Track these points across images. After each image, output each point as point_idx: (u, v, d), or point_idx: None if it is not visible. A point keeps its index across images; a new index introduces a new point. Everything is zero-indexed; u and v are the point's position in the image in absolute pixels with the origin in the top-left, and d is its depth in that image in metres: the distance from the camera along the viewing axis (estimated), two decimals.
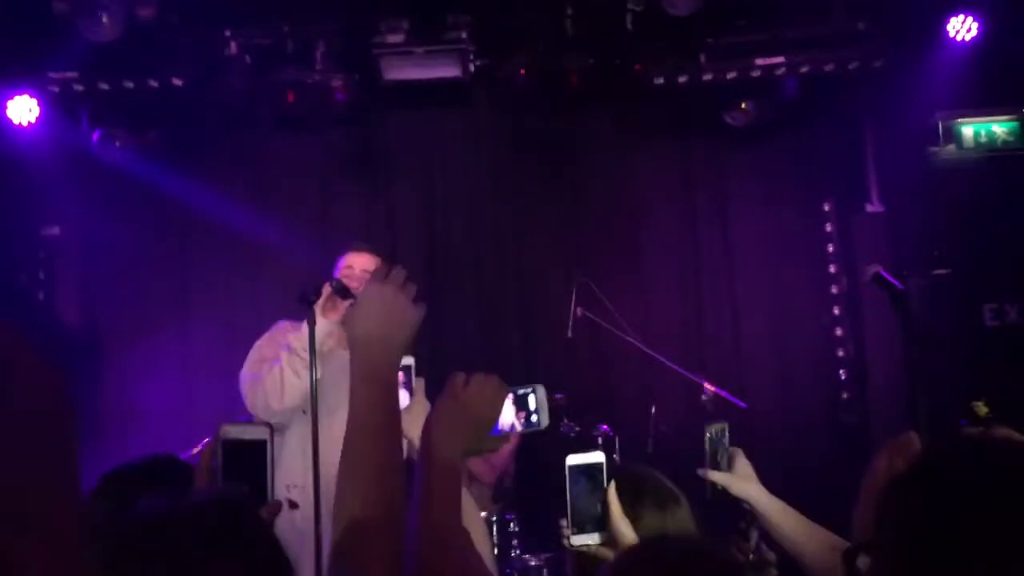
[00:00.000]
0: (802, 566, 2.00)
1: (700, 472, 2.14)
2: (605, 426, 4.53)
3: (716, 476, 2.15)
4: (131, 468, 1.83)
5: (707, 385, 4.52)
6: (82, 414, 5.11)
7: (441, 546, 1.38)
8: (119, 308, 5.67)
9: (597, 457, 1.84)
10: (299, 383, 3.39)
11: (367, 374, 1.46)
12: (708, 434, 2.16)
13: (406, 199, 5.85)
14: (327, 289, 3.43)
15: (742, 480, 2.14)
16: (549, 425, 1.71)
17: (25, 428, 0.71)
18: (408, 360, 2.40)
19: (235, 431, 1.70)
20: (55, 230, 5.68)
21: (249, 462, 1.65)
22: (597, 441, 4.41)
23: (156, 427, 5.00)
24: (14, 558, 0.67)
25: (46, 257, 5.68)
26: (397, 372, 1.53)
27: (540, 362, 5.59)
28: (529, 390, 1.69)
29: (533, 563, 4.18)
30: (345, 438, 1.45)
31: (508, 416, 1.64)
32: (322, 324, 3.40)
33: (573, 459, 1.82)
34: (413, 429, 1.99)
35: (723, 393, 4.56)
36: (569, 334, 4.97)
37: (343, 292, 3.38)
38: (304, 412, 3.44)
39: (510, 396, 1.65)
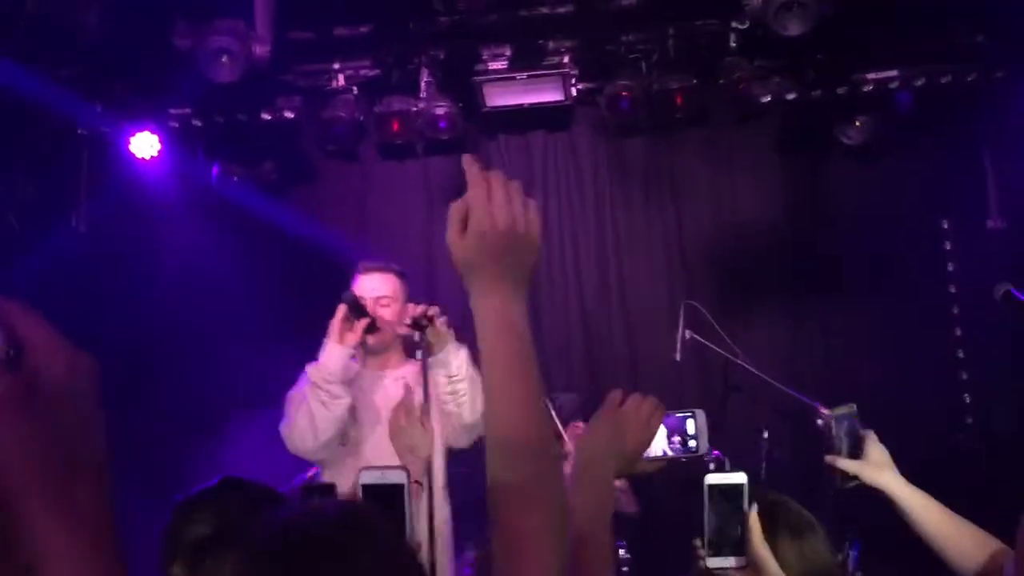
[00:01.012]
0: (948, 563, 1.85)
1: (828, 459, 1.95)
2: (716, 451, 4.43)
3: (846, 464, 1.94)
4: (197, 494, 1.85)
5: (823, 409, 4.36)
6: (216, 449, 5.26)
7: (592, 568, 1.35)
8: (234, 338, 5.81)
9: (739, 478, 1.76)
10: (328, 414, 3.28)
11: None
12: (834, 417, 2.00)
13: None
14: (341, 310, 3.31)
15: (876, 468, 1.94)
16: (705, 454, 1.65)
17: (54, 408, 0.73)
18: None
19: (374, 475, 1.71)
20: (175, 262, 5.89)
21: (388, 506, 1.65)
22: (708, 467, 4.31)
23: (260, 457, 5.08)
24: (38, 540, 0.68)
25: (165, 287, 5.87)
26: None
27: (646, 385, 5.49)
28: (689, 414, 1.64)
29: None
30: (484, 358, 1.28)
31: (660, 440, 1.60)
32: (336, 352, 3.28)
33: (712, 479, 1.75)
34: None
35: None
36: (677, 357, 4.88)
37: (357, 310, 3.30)
38: (342, 444, 3.38)
39: (666, 419, 1.60)
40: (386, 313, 3.49)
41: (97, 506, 0.73)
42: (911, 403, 5.42)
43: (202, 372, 5.59)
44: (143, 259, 5.75)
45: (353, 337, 3.31)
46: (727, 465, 4.35)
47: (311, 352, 3.43)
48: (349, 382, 3.34)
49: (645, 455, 1.55)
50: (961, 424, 5.39)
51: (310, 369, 3.32)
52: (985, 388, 5.39)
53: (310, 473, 3.55)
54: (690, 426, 1.64)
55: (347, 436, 3.41)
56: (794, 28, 4.41)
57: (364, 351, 3.51)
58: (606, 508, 1.45)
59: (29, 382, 0.72)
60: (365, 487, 1.69)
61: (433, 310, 3.35)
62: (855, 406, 2.03)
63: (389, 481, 1.69)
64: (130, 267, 5.57)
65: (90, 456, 0.74)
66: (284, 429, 3.40)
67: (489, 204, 1.24)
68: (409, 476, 1.72)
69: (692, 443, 1.64)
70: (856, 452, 1.98)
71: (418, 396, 3.18)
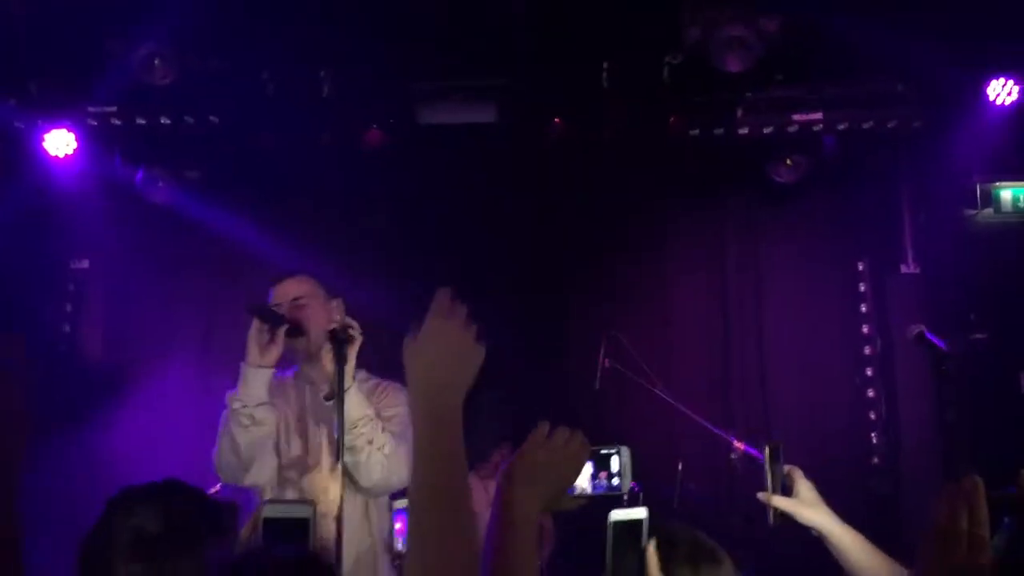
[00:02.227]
0: None
1: (761, 497, 1.95)
2: (633, 483, 4.41)
3: (780, 502, 1.95)
4: (141, 489, 1.77)
5: (736, 443, 4.42)
6: (100, 444, 5.11)
7: None
8: (144, 342, 5.66)
9: (639, 513, 1.74)
10: (250, 437, 3.05)
11: (432, 422, 1.36)
12: (767, 452, 2.00)
13: (433, 242, 5.81)
14: (253, 326, 3.05)
15: (809, 507, 1.95)
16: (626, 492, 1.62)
17: None
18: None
19: (277, 510, 1.66)
20: (84, 263, 5.70)
21: (290, 540, 1.60)
22: (622, 497, 4.30)
23: (175, 460, 4.94)
24: None
25: (75, 289, 5.69)
26: (460, 416, 1.42)
27: (564, 412, 5.49)
28: (614, 451, 1.60)
29: None
30: (412, 494, 1.34)
31: (584, 476, 1.56)
32: (255, 376, 3.03)
33: (616, 515, 1.72)
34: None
35: (752, 451, 4.45)
36: (597, 386, 4.88)
37: (270, 317, 3.07)
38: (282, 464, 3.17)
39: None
40: (304, 314, 3.21)
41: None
42: (821, 441, 5.52)
43: (113, 377, 5.43)
44: (53, 259, 5.57)
45: (276, 349, 3.06)
46: (641, 498, 4.35)
47: (234, 355, 3.29)
48: (275, 397, 3.14)
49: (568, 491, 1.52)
50: (868, 464, 5.50)
51: (229, 399, 3.08)
52: (894, 428, 5.51)
53: (213, 489, 3.41)
54: (614, 463, 1.61)
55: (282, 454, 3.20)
56: (734, 64, 4.45)
57: (294, 358, 3.30)
58: (532, 546, 1.40)
59: None
60: (268, 520, 1.64)
61: (355, 329, 3.08)
62: (782, 443, 2.02)
63: (293, 515, 1.64)
64: (42, 267, 5.38)
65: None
66: (214, 456, 3.15)
67: (449, 326, 1.41)
68: (315, 511, 1.67)
69: (615, 480, 1.60)
70: (785, 488, 1.98)
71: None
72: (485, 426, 4.42)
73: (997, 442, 4.69)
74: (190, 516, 1.61)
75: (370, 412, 3.06)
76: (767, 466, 1.96)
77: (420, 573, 1.26)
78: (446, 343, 1.41)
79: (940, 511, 1.23)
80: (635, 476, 4.64)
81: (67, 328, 5.66)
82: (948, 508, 1.22)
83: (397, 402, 3.21)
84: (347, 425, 2.94)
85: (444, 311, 1.43)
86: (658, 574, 1.71)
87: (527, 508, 1.40)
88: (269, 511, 1.66)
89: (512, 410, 4.91)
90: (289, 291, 3.25)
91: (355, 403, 3.02)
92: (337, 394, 2.91)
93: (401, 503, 2.43)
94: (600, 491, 1.61)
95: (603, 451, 1.60)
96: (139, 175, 5.36)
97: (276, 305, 3.22)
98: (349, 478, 3.06)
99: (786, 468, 2.00)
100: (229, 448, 3.07)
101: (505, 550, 1.35)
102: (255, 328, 3.06)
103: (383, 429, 3.07)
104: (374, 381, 3.32)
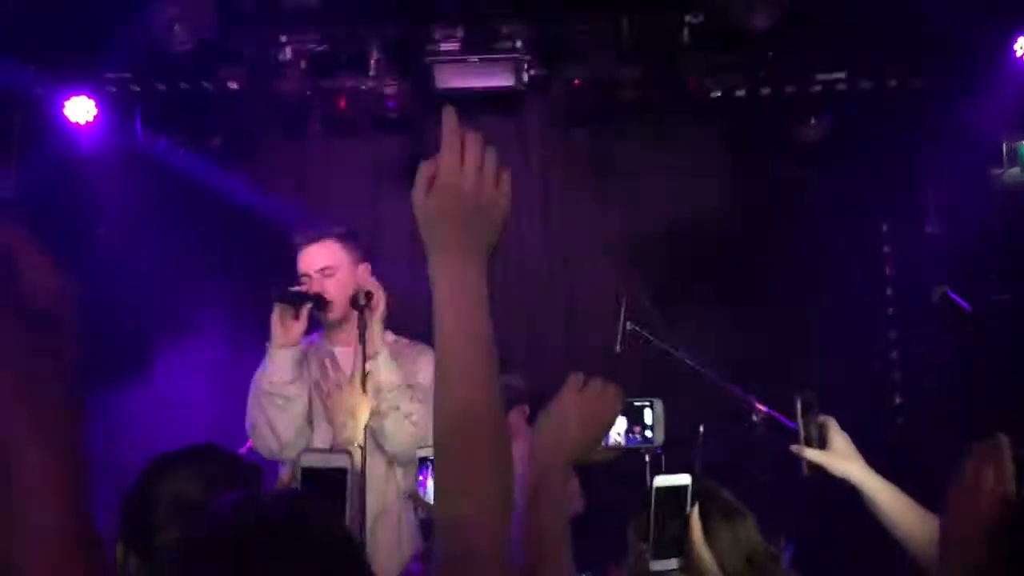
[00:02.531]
0: (912, 551, 1.85)
1: (793, 449, 1.95)
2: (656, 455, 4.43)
3: (813, 454, 1.94)
4: (178, 454, 1.79)
5: (758, 405, 4.40)
6: (127, 410, 5.17)
7: (545, 558, 1.30)
8: (166, 309, 5.69)
9: (684, 480, 1.74)
10: (287, 415, 3.14)
11: (545, 473, 1.37)
12: (799, 404, 1.98)
13: None
14: (276, 311, 3.12)
15: (843, 458, 1.95)
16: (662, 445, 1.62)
17: (30, 322, 0.71)
18: None
19: (315, 459, 1.68)
20: (102, 230, 5.73)
21: (329, 490, 1.61)
22: (644, 459, 4.32)
23: (200, 426, 5.00)
24: (13, 464, 0.64)
25: (95, 256, 5.72)
26: (571, 463, 1.44)
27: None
28: (647, 403, 1.60)
29: None
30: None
31: (617, 429, 1.56)
32: (282, 357, 3.10)
33: (660, 481, 1.73)
34: None
35: (774, 414, 4.44)
36: (617, 349, 4.88)
37: (294, 300, 3.13)
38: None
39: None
40: (331, 284, 3.29)
41: (73, 435, 0.69)
42: (844, 403, 5.48)
43: (136, 344, 5.48)
44: (76, 226, 5.59)
45: (300, 326, 3.15)
46: (663, 460, 4.37)
47: (254, 327, 3.34)
48: (302, 365, 3.22)
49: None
50: (892, 425, 5.49)
51: (259, 379, 3.17)
52: (918, 390, 5.49)
53: (243, 449, 3.47)
54: (647, 415, 1.61)
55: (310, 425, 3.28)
56: (760, 21, 4.37)
57: (322, 324, 3.38)
58: (560, 497, 1.39)
59: (15, 297, 0.70)
60: (306, 469, 1.65)
61: (377, 294, 3.19)
62: (816, 394, 1.99)
63: (332, 465, 1.65)
64: (64, 235, 5.40)
65: (68, 383, 0.72)
66: (249, 430, 3.27)
67: (461, 164, 1.21)
68: (352, 460, 1.68)
69: (649, 433, 1.61)
70: (820, 441, 1.94)
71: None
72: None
73: (1021, 402, 4.67)
74: (229, 480, 1.63)
75: (397, 379, 3.10)
76: (799, 418, 1.95)
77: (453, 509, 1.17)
78: (578, 419, 1.42)
79: (966, 469, 1.23)
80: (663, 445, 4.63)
81: (89, 295, 5.70)
82: (974, 466, 1.22)
83: (428, 368, 3.19)
84: (373, 391, 2.96)
85: (576, 386, 1.45)
86: (702, 540, 1.71)
87: (551, 458, 1.39)
88: (307, 460, 1.67)
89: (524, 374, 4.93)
90: (316, 260, 3.29)
91: (384, 369, 3.07)
92: (362, 362, 2.96)
93: (424, 452, 2.45)
94: (634, 444, 1.62)
95: (636, 403, 1.60)
96: (160, 143, 5.37)
97: (303, 276, 3.27)
98: (373, 441, 3.10)
99: (820, 419, 1.98)
100: (267, 429, 3.16)
101: (535, 500, 1.34)
102: (278, 311, 3.10)
103: (412, 398, 3.10)
104: (405, 342, 3.35)
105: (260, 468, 1.91)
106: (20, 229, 0.71)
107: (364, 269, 3.35)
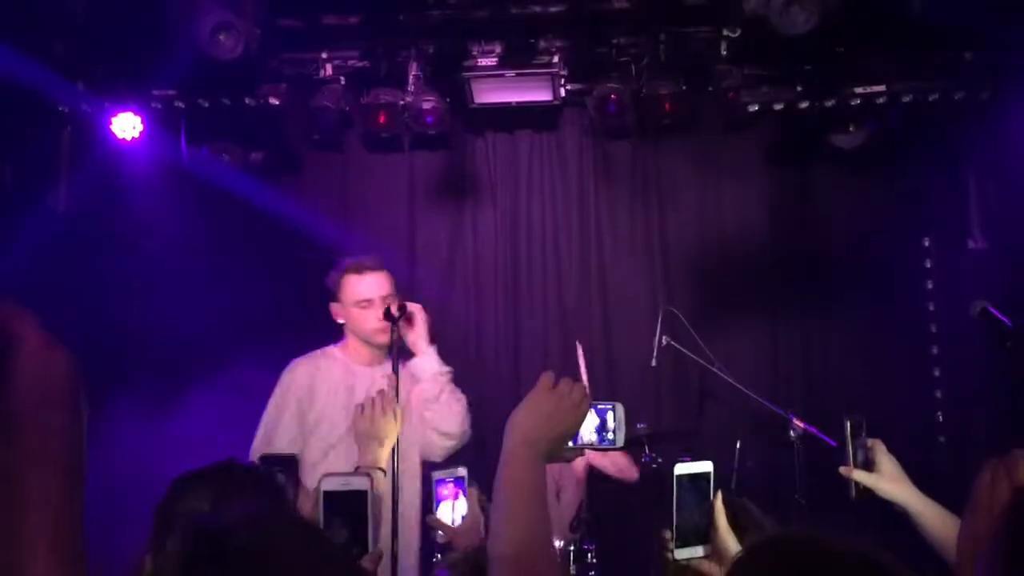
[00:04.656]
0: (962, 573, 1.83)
1: (843, 471, 1.94)
2: (688, 458, 4.41)
3: (862, 477, 1.94)
4: (197, 472, 1.83)
5: (796, 420, 4.37)
6: (170, 426, 5.24)
7: (529, 550, 1.34)
8: (210, 324, 5.77)
9: (705, 467, 1.75)
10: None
11: (518, 467, 1.47)
12: (848, 426, 1.97)
13: (491, 222, 5.84)
14: (416, 320, 3.43)
15: (892, 481, 1.94)
16: (623, 446, 1.65)
17: (31, 401, 0.73)
18: (461, 471, 2.51)
19: (336, 482, 1.71)
20: (153, 245, 5.83)
21: (350, 512, 1.64)
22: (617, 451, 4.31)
23: (246, 442, 5.06)
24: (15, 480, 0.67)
25: (143, 268, 5.82)
26: (543, 459, 1.52)
27: (622, 390, 5.49)
28: (609, 407, 1.64)
29: None
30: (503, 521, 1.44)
31: (585, 430, 1.60)
32: (429, 360, 3.43)
33: (681, 468, 1.73)
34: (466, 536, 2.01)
35: (812, 429, 4.40)
36: (654, 363, 4.88)
37: (397, 315, 3.34)
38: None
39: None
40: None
41: (57, 506, 0.71)
42: (885, 420, 5.40)
43: (183, 357, 5.56)
44: (124, 241, 5.70)
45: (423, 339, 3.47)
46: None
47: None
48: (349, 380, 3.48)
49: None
50: (934, 443, 5.40)
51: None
52: (960, 408, 5.40)
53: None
54: (610, 418, 1.64)
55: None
56: (801, 24, 4.30)
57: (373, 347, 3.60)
58: (542, 487, 1.44)
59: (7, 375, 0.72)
60: (327, 493, 1.68)
61: (414, 306, 3.41)
62: (864, 417, 2.00)
63: (352, 488, 1.68)
64: (111, 249, 5.51)
65: (50, 458, 0.73)
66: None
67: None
68: (372, 482, 1.72)
69: (610, 435, 1.64)
70: (868, 463, 1.94)
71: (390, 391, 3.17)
72: None
73: None
74: (241, 493, 1.66)
75: (440, 367, 3.46)
76: (848, 440, 1.94)
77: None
78: (548, 414, 1.51)
79: (980, 485, 1.22)
80: (691, 454, 4.66)
81: (135, 307, 5.80)
82: (989, 478, 1.21)
83: None
84: (423, 375, 3.42)
85: (548, 386, 1.54)
86: (728, 529, 1.71)
87: (530, 450, 1.45)
88: (328, 484, 1.70)
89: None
90: (383, 286, 3.55)
91: (433, 360, 3.45)
92: (395, 380, 3.06)
93: (441, 473, 2.53)
94: (597, 444, 1.65)
95: (600, 406, 1.64)
96: (202, 154, 5.46)
97: (364, 300, 3.51)
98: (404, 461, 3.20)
99: (869, 442, 1.97)
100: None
101: (515, 487, 1.41)
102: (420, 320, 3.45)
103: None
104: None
105: (276, 478, 1.94)
106: (17, 306, 0.73)
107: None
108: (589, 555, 4.19)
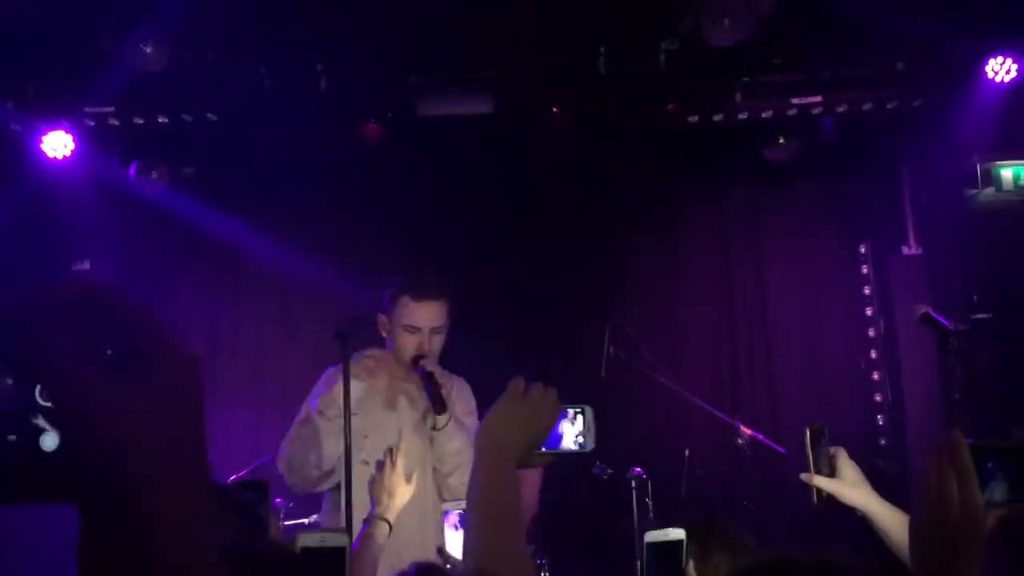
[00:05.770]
0: None
1: (804, 477, 1.94)
2: (638, 468, 4.43)
3: (823, 482, 1.93)
4: None
5: (743, 428, 4.41)
6: None
7: (501, 552, 1.32)
8: None
9: (677, 534, 1.73)
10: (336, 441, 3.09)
11: (492, 473, 1.45)
12: (809, 434, 1.96)
13: (437, 236, 5.81)
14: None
15: (853, 487, 1.93)
16: (592, 451, 1.63)
17: (170, 405, 0.68)
18: None
19: (313, 539, 1.68)
20: (86, 265, 5.68)
21: (327, 569, 1.63)
22: (630, 484, 4.31)
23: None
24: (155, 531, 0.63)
25: None
26: (516, 465, 1.50)
27: (571, 402, 5.48)
28: (579, 409, 1.61)
29: None
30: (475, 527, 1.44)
31: (569, 436, 1.58)
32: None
33: (652, 536, 1.72)
34: None
35: (759, 436, 4.45)
36: (602, 374, 4.88)
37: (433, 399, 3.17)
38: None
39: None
40: (437, 343, 3.29)
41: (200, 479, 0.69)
42: (827, 423, 5.50)
43: None
44: (53, 263, 5.55)
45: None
46: (649, 486, 4.35)
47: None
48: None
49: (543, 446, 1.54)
50: (875, 445, 5.50)
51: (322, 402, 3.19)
52: (900, 410, 5.51)
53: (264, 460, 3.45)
54: (579, 422, 1.62)
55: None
56: (724, 38, 4.36)
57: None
58: (515, 489, 1.43)
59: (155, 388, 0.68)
60: (305, 550, 1.66)
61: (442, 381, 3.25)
62: (826, 425, 2.01)
63: (329, 544, 1.67)
64: (40, 269, 5.36)
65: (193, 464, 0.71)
66: (282, 468, 3.20)
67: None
68: (350, 538, 1.70)
69: (580, 439, 1.61)
70: (830, 470, 1.96)
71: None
72: None
73: (1001, 421, 4.69)
74: (225, 520, 1.63)
75: (460, 444, 3.14)
76: (808, 448, 1.94)
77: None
78: (519, 417, 1.49)
79: (927, 472, 1.22)
80: (641, 463, 4.64)
81: None
82: (935, 467, 1.21)
83: (470, 407, 3.33)
84: (437, 453, 3.17)
85: (518, 392, 1.51)
86: None
87: (506, 456, 1.44)
88: (305, 540, 1.68)
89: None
90: (435, 317, 3.26)
91: (452, 436, 3.16)
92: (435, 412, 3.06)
93: (448, 504, 2.49)
94: (568, 448, 1.62)
95: (570, 410, 1.61)
96: (132, 168, 5.33)
97: (411, 327, 3.23)
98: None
99: (831, 449, 1.98)
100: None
101: (490, 492, 1.40)
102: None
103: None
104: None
105: (254, 506, 1.91)
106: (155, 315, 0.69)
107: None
108: (542, 573, 4.16)
